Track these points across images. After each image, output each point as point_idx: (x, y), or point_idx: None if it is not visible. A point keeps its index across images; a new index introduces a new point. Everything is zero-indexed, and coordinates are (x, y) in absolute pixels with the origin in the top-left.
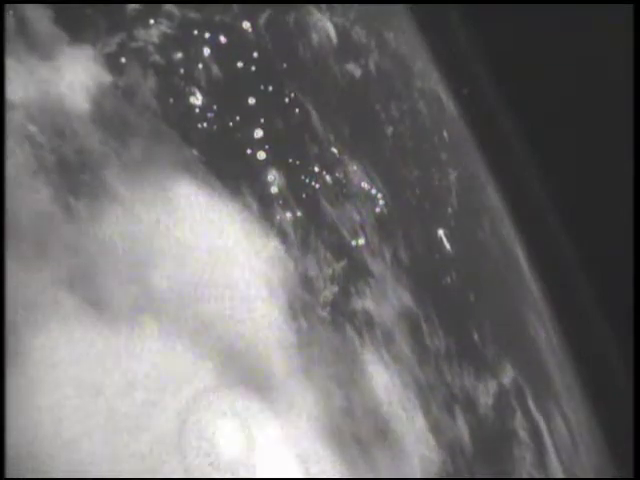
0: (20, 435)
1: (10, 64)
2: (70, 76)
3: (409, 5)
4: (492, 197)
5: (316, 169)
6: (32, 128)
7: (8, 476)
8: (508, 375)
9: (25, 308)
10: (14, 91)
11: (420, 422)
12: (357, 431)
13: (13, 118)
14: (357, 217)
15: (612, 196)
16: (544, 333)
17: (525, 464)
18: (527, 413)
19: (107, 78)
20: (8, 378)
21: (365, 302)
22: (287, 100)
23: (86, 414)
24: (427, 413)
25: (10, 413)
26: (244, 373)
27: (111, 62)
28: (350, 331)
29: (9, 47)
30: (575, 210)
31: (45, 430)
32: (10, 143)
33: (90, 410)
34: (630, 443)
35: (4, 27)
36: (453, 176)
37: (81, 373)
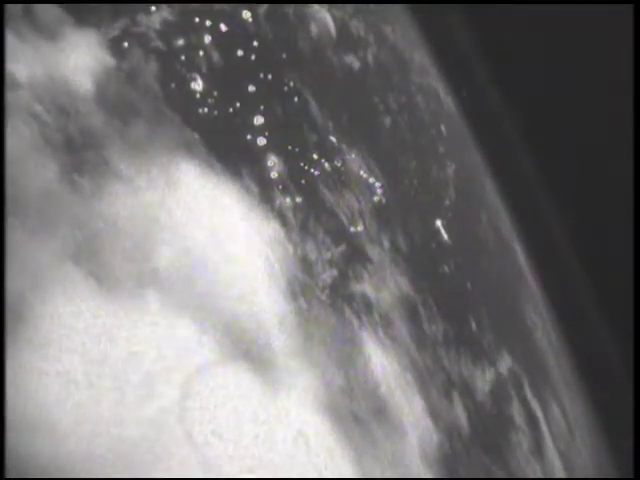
0: (29, 398)
1: (16, 44)
2: (74, 58)
3: (408, 5)
4: (490, 191)
5: (315, 156)
6: (38, 107)
7: (9, 472)
8: (505, 363)
9: (32, 278)
10: (20, 70)
11: (418, 404)
12: (356, 409)
13: (19, 97)
14: (356, 204)
15: (612, 192)
16: (541, 326)
17: (522, 450)
18: (524, 401)
19: (110, 61)
20: (17, 346)
21: (363, 286)
22: (286, 89)
23: (93, 381)
24: (425, 396)
25: (19, 379)
26: (245, 349)
27: (114, 46)
28: (349, 313)
29: (15, 28)
30: (574, 206)
31: (53, 394)
32: (17, 121)
33: (97, 377)
34: (630, 443)
35: (4, 27)
36: (451, 169)
37: (87, 342)
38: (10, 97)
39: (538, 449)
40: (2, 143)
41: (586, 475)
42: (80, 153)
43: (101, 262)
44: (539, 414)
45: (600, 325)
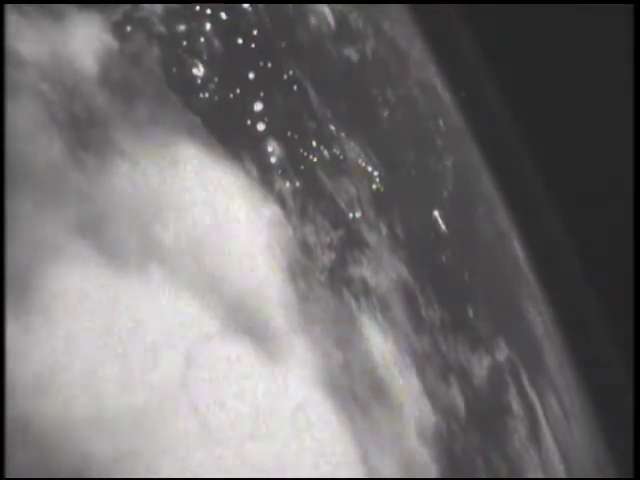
0: (37, 361)
1: (23, 24)
2: (79, 39)
3: (408, 5)
4: (488, 186)
5: (314, 144)
6: (43, 85)
7: (9, 472)
8: (502, 352)
9: (40, 249)
10: (26, 49)
11: (416, 386)
12: (354, 388)
13: (26, 75)
14: (354, 191)
15: (612, 191)
16: (539, 319)
17: (519, 436)
18: (521, 389)
19: (113, 44)
20: (25, 312)
21: (362, 270)
22: (286, 77)
23: (100, 347)
24: (422, 378)
25: (27, 342)
26: (246, 325)
27: (117, 30)
28: (347, 296)
29: (21, 8)
30: (574, 205)
31: (60, 358)
32: (24, 98)
33: (103, 344)
34: (630, 443)
35: (4, 27)
36: (449, 162)
37: (93, 311)
38: (17, 75)
39: (535, 436)
40: (2, 129)
41: (584, 469)
42: (85, 131)
43: (106, 236)
44: (536, 403)
45: (600, 325)
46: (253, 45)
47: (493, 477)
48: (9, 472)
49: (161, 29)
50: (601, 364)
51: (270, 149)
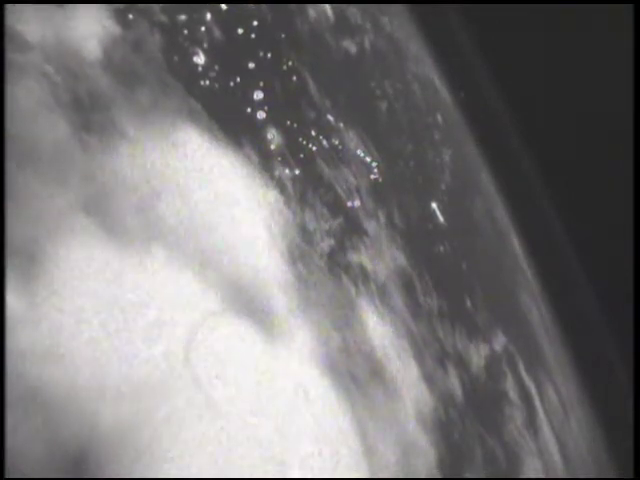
0: (44, 333)
1: (28, 10)
2: (83, 25)
3: (408, 5)
4: (486, 181)
5: (313, 133)
6: (48, 68)
7: (9, 472)
8: (499, 341)
9: (46, 226)
10: (32, 33)
11: (414, 370)
12: (353, 369)
13: (31, 57)
14: (353, 180)
15: (612, 189)
16: (537, 314)
17: (516, 423)
18: (518, 378)
19: (116, 31)
20: (32, 285)
21: (360, 257)
22: (285, 67)
23: (104, 321)
24: (420, 363)
25: (34, 314)
26: (246, 305)
27: (120, 17)
28: (346, 280)
29: None
30: (573, 205)
31: (67, 330)
32: (29, 80)
33: (107, 318)
34: (630, 443)
35: (4, 27)
36: (447, 155)
37: (98, 287)
38: (22, 58)
39: (532, 424)
40: (2, 117)
41: (582, 457)
42: (88, 113)
43: (110, 215)
44: (533, 392)
45: (600, 325)
46: (253, 35)
47: (493, 477)
48: (9, 471)
49: (162, 18)
50: (601, 364)
51: (270, 137)
